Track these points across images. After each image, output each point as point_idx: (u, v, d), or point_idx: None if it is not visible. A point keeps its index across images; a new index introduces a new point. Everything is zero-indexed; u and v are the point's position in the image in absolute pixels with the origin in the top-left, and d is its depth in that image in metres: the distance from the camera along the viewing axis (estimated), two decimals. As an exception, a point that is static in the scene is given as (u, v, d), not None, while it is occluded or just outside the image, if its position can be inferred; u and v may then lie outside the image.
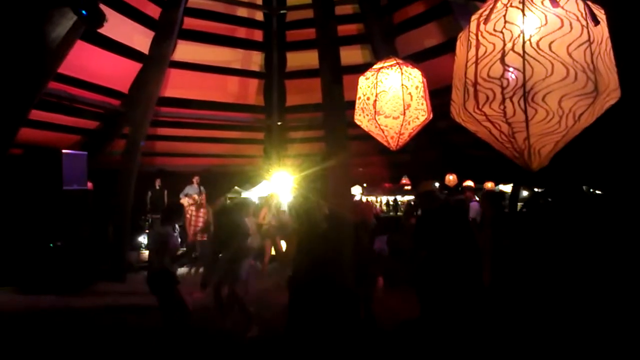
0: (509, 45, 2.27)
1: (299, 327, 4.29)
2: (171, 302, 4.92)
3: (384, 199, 12.62)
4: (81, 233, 8.57)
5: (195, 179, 10.80)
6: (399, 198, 12.25)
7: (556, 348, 4.52)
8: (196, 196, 10.01)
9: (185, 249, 9.70)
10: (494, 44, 2.33)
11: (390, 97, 4.69)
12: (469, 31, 2.47)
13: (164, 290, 4.89)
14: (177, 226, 9.65)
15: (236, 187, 12.17)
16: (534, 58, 2.21)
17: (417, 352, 4.80)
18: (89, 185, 8.90)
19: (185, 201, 10.11)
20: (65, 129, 9.62)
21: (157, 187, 11.33)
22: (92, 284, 8.37)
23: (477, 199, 7.18)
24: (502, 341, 4.64)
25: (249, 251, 6.06)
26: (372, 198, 12.13)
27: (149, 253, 5.21)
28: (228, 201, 10.07)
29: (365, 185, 11.96)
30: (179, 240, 5.16)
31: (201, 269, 8.57)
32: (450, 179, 10.34)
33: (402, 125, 4.73)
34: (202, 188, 10.63)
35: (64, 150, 8.30)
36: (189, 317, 5.06)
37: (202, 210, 9.72)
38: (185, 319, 5.03)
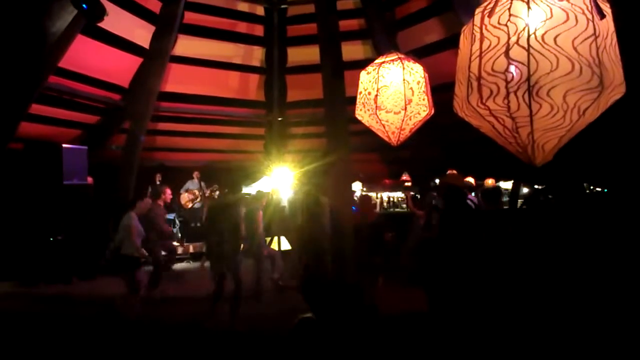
0: (513, 39, 2.25)
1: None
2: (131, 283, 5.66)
3: (385, 195, 12.55)
4: (81, 227, 8.56)
5: (196, 174, 10.79)
6: (398, 195, 12.19)
7: (555, 343, 4.52)
8: (197, 191, 9.99)
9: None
10: (498, 38, 2.31)
11: (392, 92, 4.66)
12: (473, 24, 2.44)
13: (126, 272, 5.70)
14: (177, 221, 9.55)
15: (237, 183, 12.12)
16: (538, 52, 2.19)
17: (418, 342, 4.81)
18: (90, 179, 8.88)
19: (185, 196, 10.08)
20: (66, 124, 9.60)
21: (158, 182, 11.30)
22: (92, 277, 8.37)
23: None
24: (502, 336, 4.66)
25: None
26: (372, 194, 12.06)
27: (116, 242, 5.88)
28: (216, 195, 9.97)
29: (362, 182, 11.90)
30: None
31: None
32: (451, 175, 10.34)
33: (403, 120, 4.71)
34: (202, 183, 10.61)
35: (64, 145, 8.27)
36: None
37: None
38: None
